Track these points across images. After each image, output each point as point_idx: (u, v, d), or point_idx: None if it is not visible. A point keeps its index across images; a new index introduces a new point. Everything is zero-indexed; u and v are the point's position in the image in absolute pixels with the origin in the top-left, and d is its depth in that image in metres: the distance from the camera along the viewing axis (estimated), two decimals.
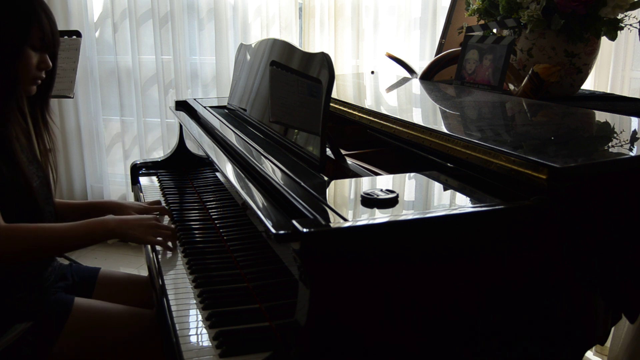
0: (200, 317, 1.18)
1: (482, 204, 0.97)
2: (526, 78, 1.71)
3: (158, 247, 1.48)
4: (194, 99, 2.18)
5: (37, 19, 1.35)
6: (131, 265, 3.21)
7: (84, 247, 1.60)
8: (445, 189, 1.09)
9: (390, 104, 1.81)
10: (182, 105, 2.15)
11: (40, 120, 1.52)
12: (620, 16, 1.72)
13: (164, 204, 1.85)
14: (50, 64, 1.42)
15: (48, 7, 1.40)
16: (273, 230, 0.93)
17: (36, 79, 1.41)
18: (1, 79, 1.34)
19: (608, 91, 2.50)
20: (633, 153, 1.13)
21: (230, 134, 1.57)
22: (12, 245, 1.27)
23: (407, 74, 2.34)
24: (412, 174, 1.16)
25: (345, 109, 1.60)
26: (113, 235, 1.38)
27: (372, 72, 2.45)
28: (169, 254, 1.47)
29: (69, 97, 2.64)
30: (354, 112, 1.54)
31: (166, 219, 1.71)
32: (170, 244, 1.47)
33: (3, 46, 1.33)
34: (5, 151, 1.35)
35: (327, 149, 1.32)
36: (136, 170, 2.20)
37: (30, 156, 1.44)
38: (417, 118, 1.40)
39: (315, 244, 0.85)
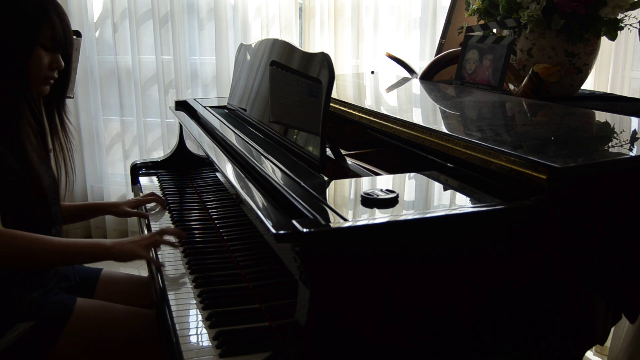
0: (200, 317, 1.18)
1: (482, 204, 0.97)
2: (526, 78, 1.71)
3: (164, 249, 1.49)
4: (194, 99, 2.18)
5: (48, 18, 1.35)
6: (132, 265, 3.21)
7: (79, 264, 1.62)
8: (445, 189, 1.09)
9: (390, 104, 1.80)
10: (182, 105, 2.15)
11: (56, 119, 1.54)
12: (620, 16, 1.72)
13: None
14: (63, 63, 1.42)
15: (61, 7, 1.40)
16: (273, 230, 0.93)
17: (48, 78, 1.41)
18: (12, 79, 1.35)
19: (608, 91, 2.50)
20: (633, 153, 1.13)
21: (230, 134, 1.57)
22: (9, 251, 1.27)
23: (407, 74, 2.34)
24: (412, 174, 1.16)
25: (345, 109, 1.59)
26: (109, 256, 1.36)
27: (372, 72, 2.45)
28: (169, 254, 1.47)
29: (69, 97, 2.62)
30: (354, 112, 1.54)
31: (166, 216, 1.72)
32: (173, 238, 1.47)
33: (14, 46, 1.33)
34: (18, 150, 1.35)
35: (327, 149, 1.32)
36: (136, 170, 2.20)
37: (40, 156, 1.45)
38: (417, 118, 1.40)
39: (315, 244, 0.85)
